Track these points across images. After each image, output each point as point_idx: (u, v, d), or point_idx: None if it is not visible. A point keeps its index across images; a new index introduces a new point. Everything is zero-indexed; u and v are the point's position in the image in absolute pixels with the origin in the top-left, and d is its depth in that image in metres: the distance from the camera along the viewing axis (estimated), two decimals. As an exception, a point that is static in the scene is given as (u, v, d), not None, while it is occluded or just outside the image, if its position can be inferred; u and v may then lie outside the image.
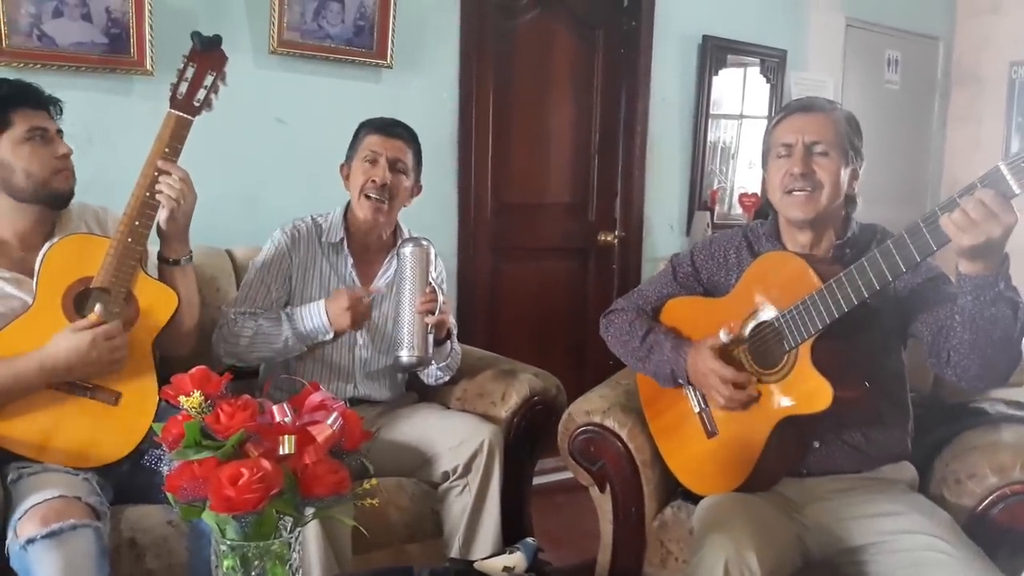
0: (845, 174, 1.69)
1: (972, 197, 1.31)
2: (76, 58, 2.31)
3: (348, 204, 2.18)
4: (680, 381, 1.77)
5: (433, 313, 1.96)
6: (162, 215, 1.79)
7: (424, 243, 2.01)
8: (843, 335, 1.54)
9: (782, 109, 1.79)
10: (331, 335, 2.02)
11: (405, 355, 1.97)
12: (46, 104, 1.77)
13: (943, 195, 4.56)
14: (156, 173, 1.77)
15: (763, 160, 1.80)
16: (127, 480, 1.75)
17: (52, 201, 1.79)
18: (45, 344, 1.66)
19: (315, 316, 2.01)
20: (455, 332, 2.17)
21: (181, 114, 1.80)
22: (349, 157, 2.16)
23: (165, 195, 1.76)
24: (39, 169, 1.74)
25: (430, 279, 2.00)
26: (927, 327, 1.58)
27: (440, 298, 1.97)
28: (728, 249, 1.86)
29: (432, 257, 2.04)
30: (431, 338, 1.99)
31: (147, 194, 1.76)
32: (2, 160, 1.72)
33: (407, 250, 1.99)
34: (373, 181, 2.07)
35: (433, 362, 2.07)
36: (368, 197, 2.08)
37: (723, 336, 1.67)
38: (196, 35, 1.82)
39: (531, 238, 3.35)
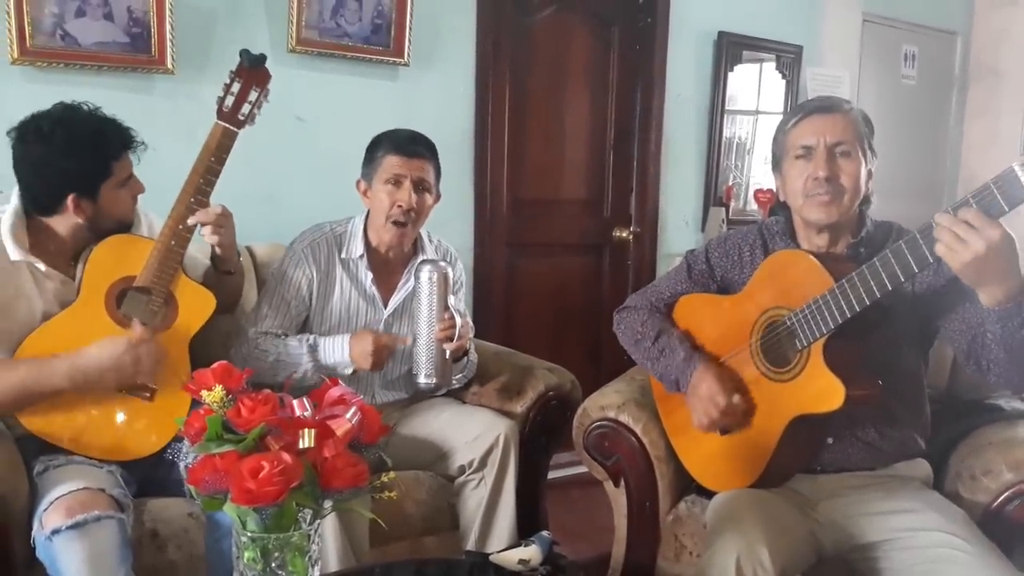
0: (864, 173, 1.67)
1: (951, 217, 1.32)
2: (98, 57, 2.34)
3: (366, 216, 2.15)
4: (683, 390, 1.77)
5: (452, 339, 1.94)
6: (212, 240, 1.86)
7: (443, 264, 1.98)
8: (856, 334, 1.53)
9: (797, 109, 1.74)
10: (351, 371, 2.00)
11: (423, 380, 1.97)
12: (133, 147, 1.80)
13: (960, 191, 4.52)
14: (202, 181, 1.81)
15: (775, 161, 1.77)
16: (150, 474, 1.79)
17: (118, 231, 1.83)
18: (81, 343, 1.70)
19: (337, 352, 1.99)
20: (472, 338, 2.17)
21: (228, 126, 1.84)
22: (367, 175, 2.11)
23: (209, 237, 1.84)
24: (126, 213, 1.81)
25: (449, 304, 1.96)
26: (960, 336, 1.56)
27: (459, 322, 1.94)
28: (743, 246, 1.86)
29: (451, 279, 1.99)
30: (449, 362, 1.99)
31: (191, 200, 1.80)
32: (100, 207, 1.75)
33: (425, 274, 1.95)
34: (399, 206, 2.04)
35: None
36: (395, 222, 2.05)
37: (736, 399, 1.67)
38: (245, 52, 1.87)
39: (546, 234, 3.36)
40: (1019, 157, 1.30)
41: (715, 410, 1.66)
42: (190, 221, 1.80)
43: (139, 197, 1.85)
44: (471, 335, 2.10)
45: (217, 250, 1.89)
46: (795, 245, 1.76)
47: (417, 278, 1.98)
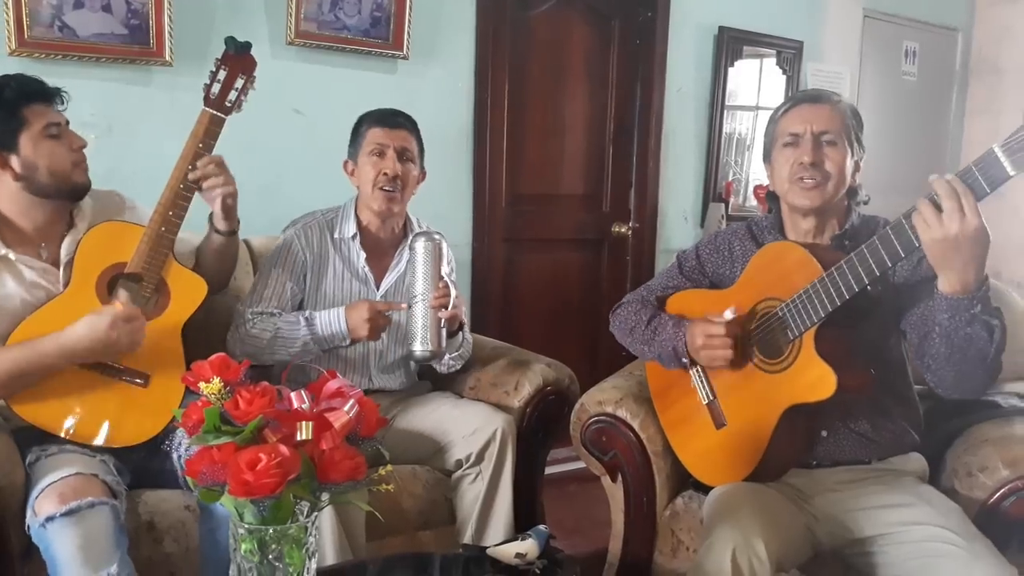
0: (850, 164, 1.71)
1: (946, 183, 1.33)
2: (96, 49, 2.34)
3: (356, 199, 2.19)
4: (684, 361, 1.78)
5: (446, 307, 1.96)
6: (216, 205, 1.87)
7: (436, 237, 2.01)
8: (846, 323, 1.55)
9: (787, 100, 1.80)
10: (348, 342, 2.02)
11: (419, 349, 1.97)
12: (53, 97, 1.78)
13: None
14: (190, 167, 1.82)
15: (766, 150, 1.82)
16: (144, 464, 1.79)
17: (72, 194, 1.82)
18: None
19: (334, 323, 2.00)
20: (467, 322, 2.19)
21: (215, 112, 1.85)
22: (352, 154, 2.16)
23: (214, 189, 1.84)
24: (60, 164, 1.76)
25: (443, 273, 2.00)
26: (915, 329, 1.59)
27: (453, 292, 1.97)
28: (733, 242, 1.88)
29: (444, 251, 2.04)
30: (444, 332, 2.00)
31: (181, 186, 1.81)
32: (25, 159, 1.73)
33: (420, 245, 1.98)
34: (385, 174, 2.08)
35: (446, 352, 2.09)
36: (381, 189, 2.09)
37: (728, 314, 1.68)
38: (230, 40, 1.88)
39: (545, 229, 3.36)
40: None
41: (719, 341, 1.66)
42: (191, 177, 1.80)
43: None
44: (465, 310, 2.12)
45: (225, 201, 1.87)
46: (783, 237, 1.78)
47: (412, 249, 2.01)
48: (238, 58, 1.87)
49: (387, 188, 2.09)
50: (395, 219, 2.19)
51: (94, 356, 1.70)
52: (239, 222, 1.96)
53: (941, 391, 1.57)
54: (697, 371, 1.82)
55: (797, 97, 1.78)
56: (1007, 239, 4.19)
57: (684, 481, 1.92)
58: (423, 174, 2.21)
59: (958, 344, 1.44)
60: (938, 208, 1.34)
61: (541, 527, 1.48)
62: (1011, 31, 4.45)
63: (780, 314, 1.61)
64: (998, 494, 1.62)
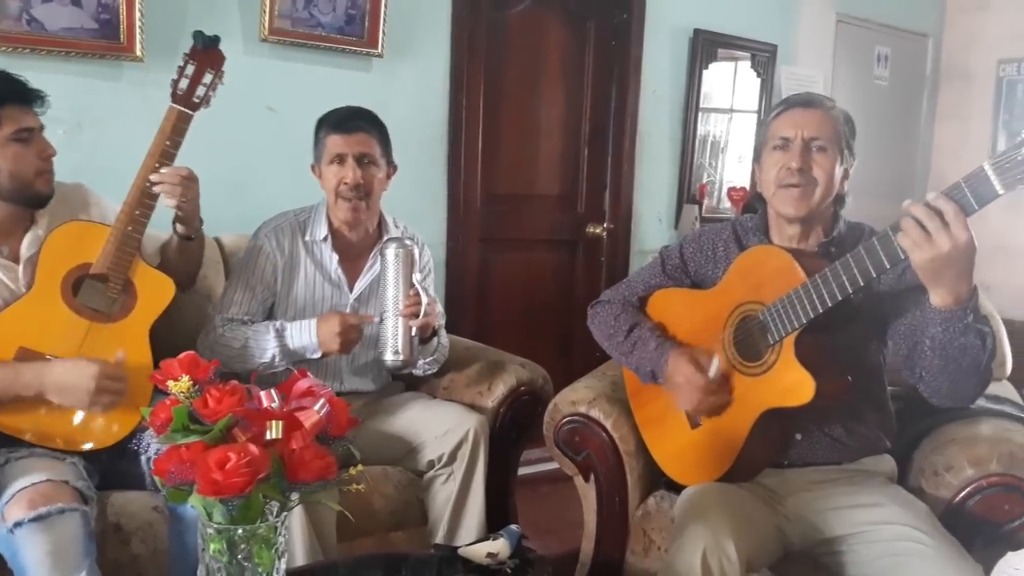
0: (839, 171, 1.70)
1: (926, 209, 1.32)
2: (65, 43, 2.30)
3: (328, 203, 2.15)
4: (660, 381, 1.78)
5: (417, 316, 1.93)
6: (171, 204, 1.83)
7: (408, 243, 1.97)
8: (826, 330, 1.55)
9: (781, 102, 1.77)
10: (318, 355, 1.99)
11: (390, 358, 1.95)
12: (32, 100, 1.74)
13: (930, 191, 4.58)
14: (157, 165, 1.79)
15: (756, 152, 1.81)
16: (112, 466, 1.76)
17: (30, 202, 1.78)
18: (39, 334, 1.68)
19: (304, 335, 1.97)
20: (443, 324, 2.17)
21: (182, 108, 1.82)
22: (316, 158, 2.12)
23: (167, 197, 1.80)
24: (23, 171, 1.73)
25: (414, 281, 1.95)
26: (904, 339, 1.59)
27: (424, 300, 1.93)
28: (716, 242, 1.87)
29: (416, 257, 1.99)
30: (416, 340, 1.97)
31: (147, 184, 1.78)
32: None
33: (390, 252, 1.94)
34: (345, 183, 2.04)
35: (420, 359, 2.07)
36: (344, 199, 2.05)
37: (713, 370, 1.67)
38: (198, 34, 1.85)
39: (520, 229, 3.36)
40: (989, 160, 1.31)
41: (697, 391, 1.67)
42: (153, 178, 1.77)
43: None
44: (440, 316, 2.10)
45: (179, 212, 1.85)
46: (768, 240, 1.78)
47: (382, 255, 1.98)
48: (206, 53, 1.84)
49: (349, 197, 2.05)
50: (366, 223, 2.15)
51: (60, 399, 1.66)
52: (201, 228, 1.93)
53: (935, 401, 1.56)
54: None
55: (791, 100, 1.75)
56: (977, 244, 4.25)
57: (656, 481, 1.93)
58: (392, 168, 2.16)
59: (952, 355, 1.44)
60: (924, 229, 1.32)
61: (513, 527, 1.48)
62: (979, 38, 4.52)
63: (761, 318, 1.62)
64: (963, 493, 1.64)
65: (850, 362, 1.61)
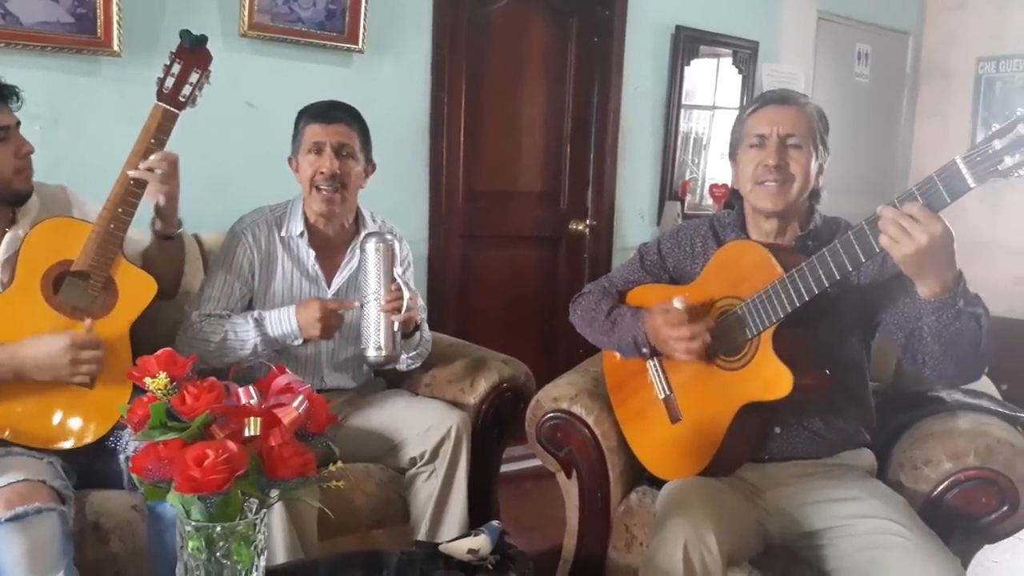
0: (814, 167, 1.72)
1: (895, 210, 1.36)
2: (41, 37, 2.27)
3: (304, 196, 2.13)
4: (644, 350, 1.78)
5: (400, 311, 1.92)
6: (153, 203, 1.81)
7: (388, 237, 1.96)
8: (804, 324, 1.57)
9: (756, 100, 1.79)
10: (300, 341, 1.98)
11: (372, 353, 1.94)
12: (7, 96, 1.72)
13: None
14: (140, 163, 1.77)
15: (732, 149, 1.82)
16: (90, 465, 1.74)
17: (10, 200, 1.76)
18: (18, 330, 1.66)
19: (284, 323, 1.96)
20: (425, 318, 2.17)
21: (168, 107, 1.80)
22: (295, 150, 2.11)
23: (153, 187, 1.78)
24: (1, 169, 1.71)
25: (395, 275, 1.94)
26: (899, 328, 1.60)
27: (406, 294, 1.92)
28: (695, 238, 1.88)
29: (397, 252, 1.98)
30: (399, 335, 1.96)
31: (131, 182, 1.76)
32: None
33: (370, 246, 1.93)
34: (321, 172, 2.03)
35: (403, 353, 2.06)
36: (319, 189, 2.04)
37: (676, 303, 1.68)
38: (186, 33, 1.83)
39: (502, 226, 3.36)
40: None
41: (677, 329, 1.66)
42: (142, 166, 1.75)
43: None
44: (422, 311, 2.09)
45: (161, 202, 1.82)
46: (745, 236, 1.79)
47: (362, 250, 1.96)
48: (193, 52, 1.83)
49: (324, 187, 2.04)
50: (342, 216, 2.14)
51: (43, 376, 1.65)
52: (179, 228, 1.91)
53: (943, 383, 1.62)
54: (655, 365, 1.83)
55: (765, 97, 1.78)
56: (955, 241, 4.29)
57: (638, 476, 1.93)
58: (372, 167, 2.16)
59: (950, 340, 1.47)
60: (901, 227, 1.35)
61: (494, 523, 1.48)
62: (958, 37, 4.56)
63: (739, 312, 1.63)
64: (941, 486, 1.66)
65: (828, 356, 1.62)
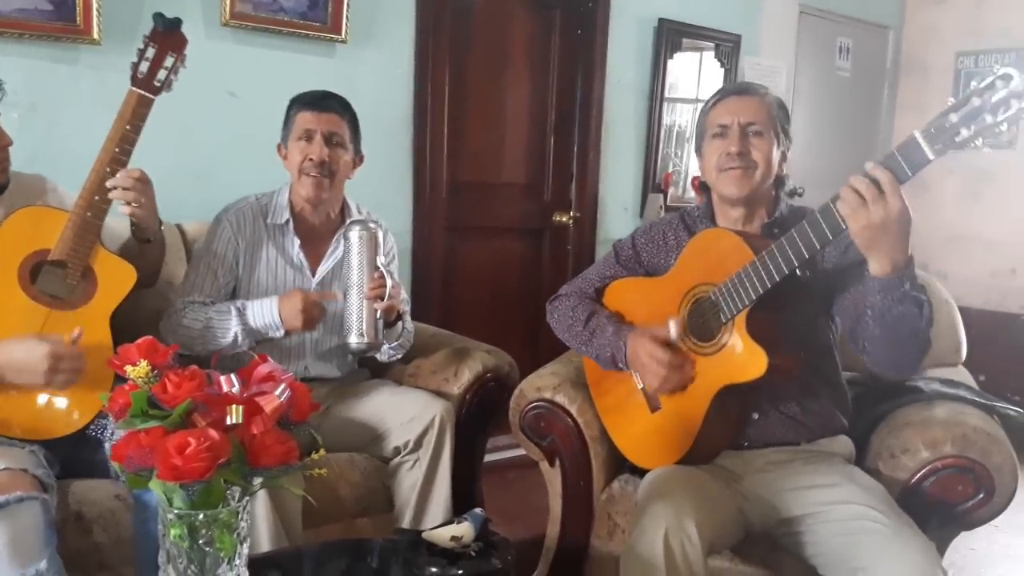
0: (776, 154, 1.77)
1: (860, 178, 1.39)
2: (19, 24, 2.25)
3: (291, 184, 2.14)
4: (620, 366, 1.81)
5: (382, 299, 1.93)
6: (125, 211, 1.79)
7: (372, 226, 1.97)
8: (776, 306, 1.60)
9: (716, 92, 1.84)
10: (281, 332, 1.98)
11: (355, 341, 1.95)
12: None
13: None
14: (117, 150, 1.75)
15: (697, 143, 1.86)
16: (73, 454, 1.74)
17: None
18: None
19: (267, 313, 1.96)
20: (408, 310, 2.17)
21: (143, 92, 1.78)
22: (284, 137, 2.11)
23: (121, 203, 1.75)
24: None
25: (379, 263, 1.96)
26: (848, 313, 1.64)
27: (389, 283, 1.94)
28: (667, 231, 1.92)
29: (380, 240, 2.00)
30: (381, 323, 1.97)
31: (108, 170, 1.74)
32: None
33: (354, 234, 1.95)
34: (310, 159, 2.04)
35: (385, 343, 2.07)
36: (308, 175, 2.05)
37: (672, 330, 1.69)
38: (159, 16, 1.81)
39: (486, 217, 3.36)
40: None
41: (661, 368, 1.69)
42: (108, 184, 1.73)
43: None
44: (405, 303, 2.09)
45: (134, 218, 1.81)
46: (715, 226, 1.82)
47: (346, 238, 1.97)
48: (167, 35, 1.81)
49: (313, 173, 2.04)
50: (328, 205, 2.14)
51: (19, 379, 1.63)
52: (160, 230, 1.89)
53: (879, 371, 1.63)
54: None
55: (726, 90, 1.83)
56: (933, 233, 4.34)
57: (621, 465, 1.94)
58: (359, 158, 2.17)
59: (891, 323, 1.49)
60: (861, 196, 1.38)
61: (477, 510, 1.48)
62: (938, 31, 4.60)
63: (712, 298, 1.65)
64: (919, 474, 1.68)
65: (800, 339, 1.66)
